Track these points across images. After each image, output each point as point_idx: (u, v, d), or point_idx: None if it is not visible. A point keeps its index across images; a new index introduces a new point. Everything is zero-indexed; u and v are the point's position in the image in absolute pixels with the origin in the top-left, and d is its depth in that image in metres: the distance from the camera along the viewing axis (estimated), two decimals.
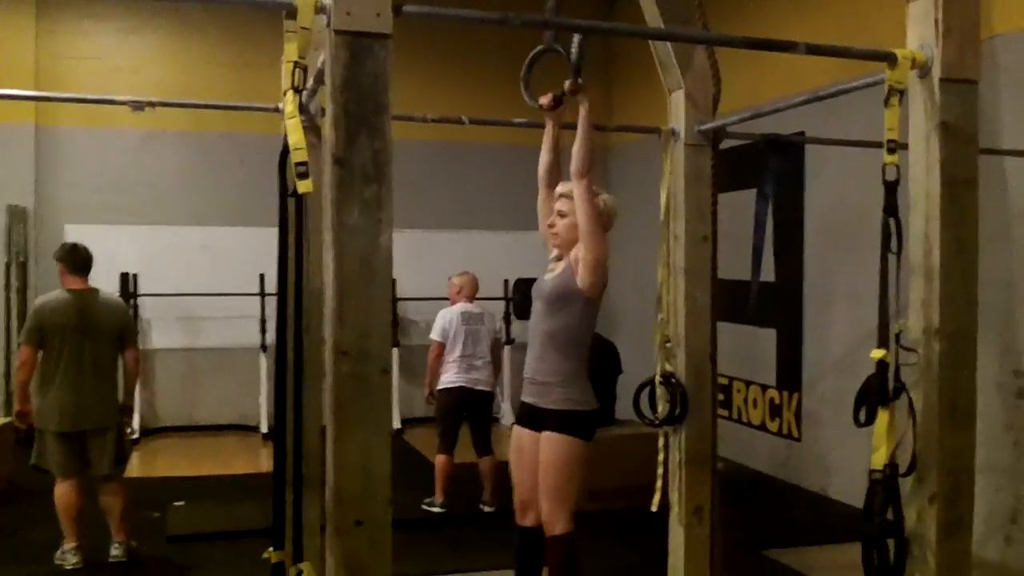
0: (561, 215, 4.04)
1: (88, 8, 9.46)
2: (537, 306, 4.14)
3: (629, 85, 9.98)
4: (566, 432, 3.96)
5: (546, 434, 3.98)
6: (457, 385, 6.65)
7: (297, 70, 2.53)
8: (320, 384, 2.93)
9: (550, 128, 4.14)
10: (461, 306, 6.93)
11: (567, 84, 3.75)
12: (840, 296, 6.84)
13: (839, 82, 3.66)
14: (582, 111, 3.84)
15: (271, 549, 3.24)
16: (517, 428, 4.19)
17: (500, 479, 6.72)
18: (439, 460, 6.73)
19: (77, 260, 5.54)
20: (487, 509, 6.73)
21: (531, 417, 4.09)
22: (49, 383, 5.38)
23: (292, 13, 2.51)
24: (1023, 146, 5.32)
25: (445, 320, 6.85)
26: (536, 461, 4.03)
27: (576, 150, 3.83)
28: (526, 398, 4.16)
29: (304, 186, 2.49)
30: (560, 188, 4.09)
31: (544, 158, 4.17)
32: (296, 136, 2.49)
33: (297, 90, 2.53)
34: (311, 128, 3.46)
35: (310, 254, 2.93)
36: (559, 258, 4.13)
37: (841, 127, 6.02)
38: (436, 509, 6.65)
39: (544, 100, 3.92)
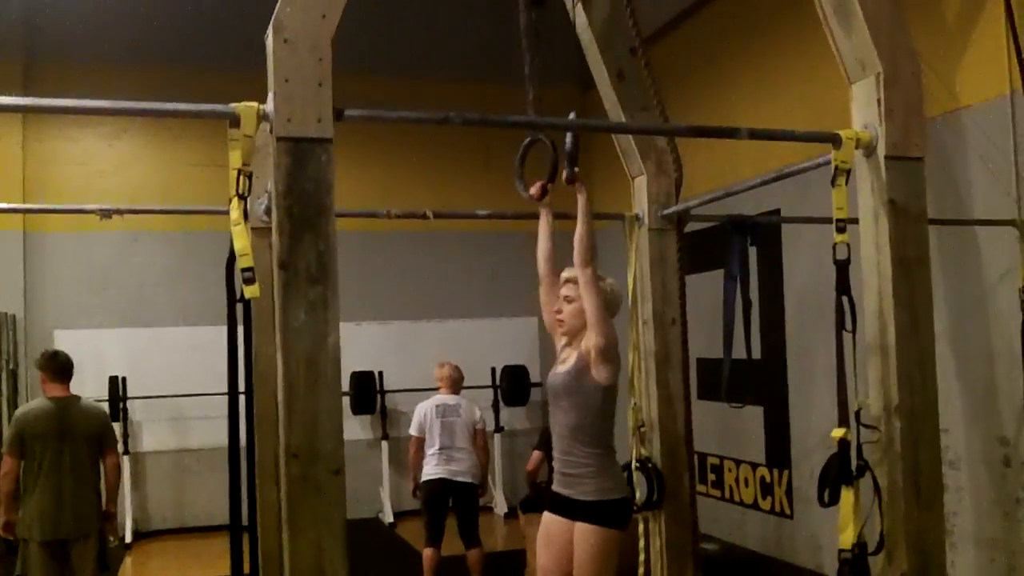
0: (568, 300, 3.98)
1: (71, 115, 9.63)
2: (554, 400, 4.02)
3: (601, 171, 10.09)
4: (600, 523, 3.85)
5: (580, 526, 3.88)
6: (438, 477, 6.56)
7: (241, 177, 2.56)
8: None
9: (544, 217, 4.13)
10: (437, 398, 6.88)
11: (563, 175, 3.76)
12: (822, 372, 6.80)
13: (791, 164, 3.74)
14: (581, 200, 3.83)
15: None
16: (547, 515, 4.08)
17: (489, 570, 6.64)
18: (425, 554, 6.61)
19: (57, 367, 5.55)
20: None
21: (563, 506, 3.97)
22: (31, 491, 5.34)
23: (236, 121, 2.57)
24: (994, 216, 5.36)
25: (420, 414, 6.81)
26: (565, 549, 3.94)
27: (578, 239, 3.81)
28: (557, 488, 4.02)
29: (251, 291, 2.51)
30: (565, 273, 4.03)
31: (542, 247, 4.11)
32: (241, 242, 2.52)
33: (242, 197, 2.57)
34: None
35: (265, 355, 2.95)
36: (568, 345, 4.04)
37: (814, 204, 6.06)
38: None
39: (533, 190, 3.91)
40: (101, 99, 2.67)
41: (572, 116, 3.63)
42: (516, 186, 3.96)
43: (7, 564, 6.37)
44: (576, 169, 3.72)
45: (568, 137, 3.68)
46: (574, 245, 3.82)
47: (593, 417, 3.89)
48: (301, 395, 2.51)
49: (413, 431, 6.80)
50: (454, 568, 6.74)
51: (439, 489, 6.56)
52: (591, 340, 3.83)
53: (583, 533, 3.86)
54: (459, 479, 6.56)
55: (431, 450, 6.64)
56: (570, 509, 3.93)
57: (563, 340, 4.08)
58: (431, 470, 6.60)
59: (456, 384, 6.97)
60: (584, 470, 3.89)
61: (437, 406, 6.80)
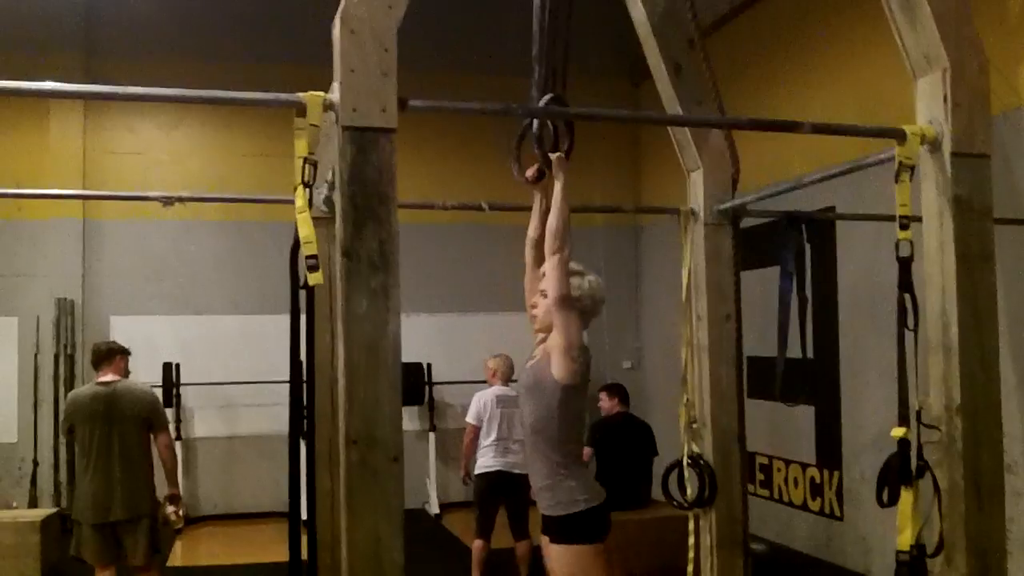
0: (544, 295, 3.65)
1: (132, 105, 9.79)
2: (521, 397, 3.81)
3: (657, 165, 10.07)
4: (568, 540, 3.56)
5: (551, 547, 3.61)
6: (495, 470, 6.60)
7: (307, 165, 2.59)
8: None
9: (537, 202, 3.91)
10: (496, 389, 6.91)
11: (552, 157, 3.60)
12: (875, 371, 6.74)
13: (855, 159, 3.69)
14: (557, 184, 3.54)
15: None
16: (541, 535, 3.78)
17: (536, 564, 6.63)
18: (475, 545, 6.62)
19: (94, 357, 5.73)
20: None
21: (542, 523, 3.70)
22: (82, 475, 5.49)
23: (302, 111, 2.60)
24: None
25: (480, 403, 6.85)
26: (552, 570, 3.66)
27: (549, 224, 3.53)
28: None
29: (314, 278, 2.54)
30: (543, 266, 3.72)
31: (530, 233, 3.89)
32: (306, 230, 2.55)
33: (307, 185, 2.59)
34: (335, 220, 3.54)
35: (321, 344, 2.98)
36: (542, 342, 3.74)
37: (871, 200, 6.00)
38: None
39: (529, 173, 3.77)
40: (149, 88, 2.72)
41: (546, 99, 3.48)
42: (512, 170, 3.81)
43: (63, 544, 6.52)
44: (556, 154, 3.54)
45: (534, 122, 3.52)
46: (546, 231, 3.55)
47: (551, 418, 3.57)
48: (362, 382, 2.54)
49: (471, 419, 6.83)
50: (502, 560, 6.76)
51: (495, 482, 6.60)
52: (552, 334, 3.57)
53: (554, 554, 3.60)
54: (516, 471, 6.53)
55: (488, 440, 6.68)
56: (544, 526, 3.67)
57: (538, 336, 3.80)
58: (488, 462, 6.64)
59: (508, 376, 6.97)
60: (546, 480, 3.61)
61: (498, 396, 6.83)
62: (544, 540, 3.67)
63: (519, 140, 3.75)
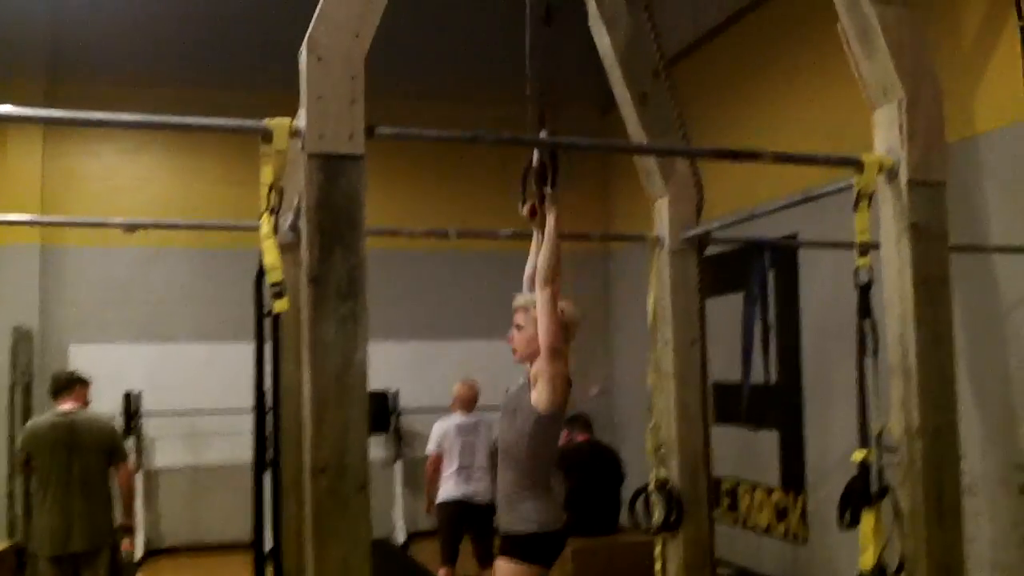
0: (518, 328, 3.79)
1: (94, 129, 9.68)
2: (500, 416, 3.91)
3: (626, 192, 10.15)
4: (515, 556, 3.66)
5: (499, 560, 3.73)
6: (455, 499, 6.63)
7: (272, 192, 2.60)
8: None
9: (536, 236, 4.00)
10: (456, 417, 6.92)
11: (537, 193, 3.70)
12: (839, 395, 6.80)
13: (810, 188, 3.76)
14: (549, 219, 3.62)
15: None
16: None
17: None
18: (440, 573, 6.65)
19: (54, 386, 5.65)
20: None
21: (500, 540, 3.83)
22: (39, 506, 5.38)
23: (268, 137, 2.61)
24: (1010, 242, 5.37)
25: (440, 432, 6.85)
26: None
27: (542, 257, 3.60)
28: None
29: (280, 305, 2.54)
30: (516, 300, 3.88)
31: (528, 267, 3.99)
32: (271, 257, 2.55)
33: (273, 211, 2.60)
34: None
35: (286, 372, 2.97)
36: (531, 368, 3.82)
37: (832, 227, 6.09)
38: None
39: (525, 210, 3.87)
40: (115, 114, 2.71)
41: (543, 133, 3.55)
42: (518, 206, 3.88)
43: None
44: (549, 189, 3.62)
45: (534, 155, 3.61)
46: (537, 264, 3.66)
47: (524, 444, 3.67)
48: (330, 410, 2.54)
49: (431, 448, 6.82)
50: None
51: (457, 511, 6.62)
52: (538, 364, 3.65)
53: (500, 568, 3.71)
54: (477, 500, 6.60)
55: (450, 469, 6.68)
56: (500, 544, 3.79)
57: (524, 364, 3.88)
58: (450, 491, 6.64)
59: (473, 403, 7.00)
60: (509, 499, 3.73)
61: (458, 425, 6.83)
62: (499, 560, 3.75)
63: (524, 175, 3.80)
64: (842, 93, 6.74)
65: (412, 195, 10.01)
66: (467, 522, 6.65)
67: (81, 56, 9.61)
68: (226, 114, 2.83)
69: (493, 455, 6.79)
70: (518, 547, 3.66)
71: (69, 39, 9.60)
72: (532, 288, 3.94)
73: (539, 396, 3.61)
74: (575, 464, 7.13)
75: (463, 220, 5.13)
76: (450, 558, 6.65)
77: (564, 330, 3.67)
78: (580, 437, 7.33)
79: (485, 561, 6.65)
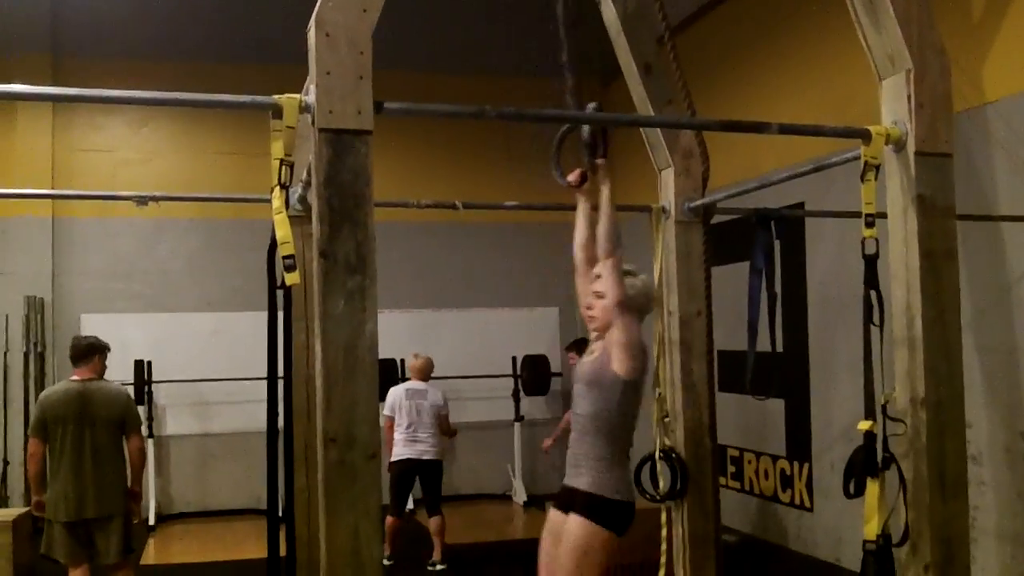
0: (599, 296, 3.83)
1: (101, 104, 9.73)
2: (576, 389, 3.95)
3: (630, 162, 10.12)
4: (593, 518, 3.71)
5: (572, 516, 3.76)
6: (404, 457, 7.43)
7: (283, 167, 2.62)
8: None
9: (581, 205, 4.01)
10: (408, 384, 7.79)
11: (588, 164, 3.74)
12: (844, 365, 6.84)
13: (816, 158, 3.76)
14: (604, 191, 3.74)
15: None
16: (551, 510, 3.95)
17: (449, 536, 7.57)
18: (387, 522, 7.28)
19: (72, 352, 5.70)
20: (437, 567, 7.46)
21: (564, 499, 3.86)
22: (55, 473, 5.46)
23: (278, 112, 2.62)
24: (1019, 211, 5.37)
25: (393, 397, 7.64)
26: (559, 543, 3.80)
27: (600, 230, 3.73)
28: (565, 480, 3.91)
29: (291, 278, 2.57)
30: (597, 268, 3.89)
31: (577, 236, 4.02)
32: (283, 231, 2.57)
33: (284, 186, 2.62)
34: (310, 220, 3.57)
35: (297, 342, 3.01)
36: (599, 338, 3.91)
37: (841, 197, 6.08)
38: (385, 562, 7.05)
39: (571, 178, 3.87)
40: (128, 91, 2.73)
41: (591, 107, 3.54)
42: (553, 174, 3.89)
43: (35, 544, 6.48)
44: (600, 160, 3.67)
45: (585, 128, 3.63)
46: (598, 237, 3.76)
47: (609, 411, 3.77)
48: (340, 382, 2.57)
49: (386, 412, 7.53)
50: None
51: (406, 468, 7.46)
52: (612, 332, 3.75)
53: (573, 522, 3.74)
54: (425, 457, 7.46)
55: (399, 431, 7.50)
56: (568, 499, 3.82)
57: (595, 333, 3.96)
58: (399, 450, 7.46)
59: (423, 373, 7.83)
60: (590, 462, 3.78)
61: (407, 390, 7.69)
62: (555, 512, 3.85)
63: (557, 146, 3.85)
64: (849, 63, 6.72)
65: (419, 168, 10.07)
66: (415, 477, 7.52)
67: (87, 31, 9.64)
68: (233, 87, 2.85)
69: (440, 419, 7.62)
70: (602, 512, 3.72)
71: (73, 14, 9.60)
72: (582, 255, 4.02)
73: (621, 363, 3.73)
74: None
75: (468, 193, 5.14)
76: (397, 510, 7.47)
77: (637, 300, 3.81)
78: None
79: (432, 510, 7.56)
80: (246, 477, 9.74)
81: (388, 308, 9.79)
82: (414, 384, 7.77)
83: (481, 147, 10.16)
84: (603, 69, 10.34)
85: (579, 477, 3.79)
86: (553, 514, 3.91)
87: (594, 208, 3.90)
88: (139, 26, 9.60)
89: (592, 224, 3.93)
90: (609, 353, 3.78)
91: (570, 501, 3.80)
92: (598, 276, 3.85)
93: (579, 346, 7.86)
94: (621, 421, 3.80)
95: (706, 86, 7.75)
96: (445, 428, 7.71)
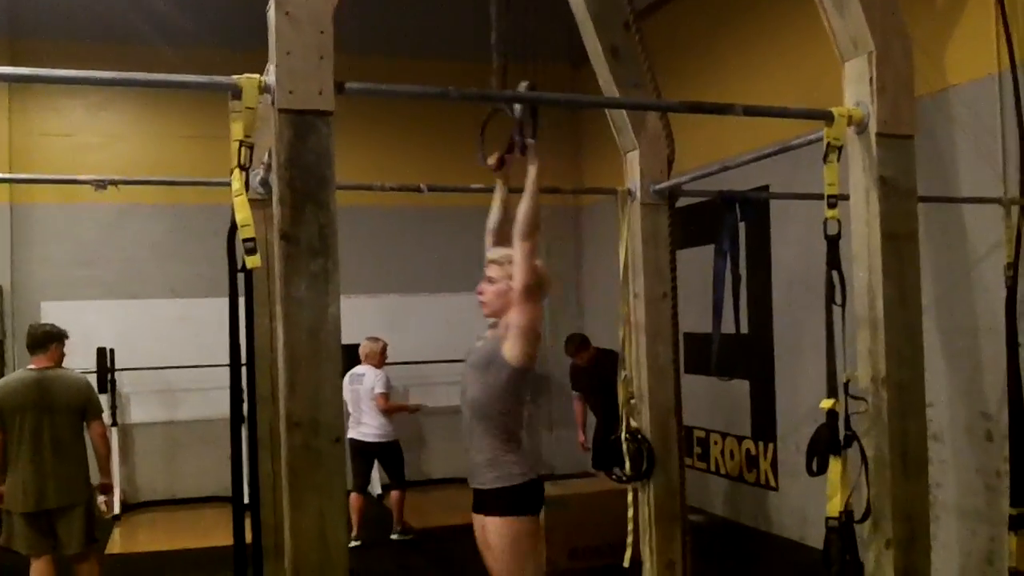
0: (491, 281, 3.74)
1: (59, 86, 9.57)
2: (466, 374, 3.85)
3: (597, 146, 10.14)
4: (506, 513, 3.66)
5: (488, 519, 3.71)
6: (352, 439, 7.71)
7: (243, 148, 2.58)
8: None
9: (498, 188, 3.98)
10: (353, 369, 7.99)
11: (513, 145, 3.60)
12: (809, 346, 6.90)
13: (781, 140, 3.78)
14: (530, 171, 3.56)
15: None
16: (473, 516, 3.83)
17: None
18: (351, 497, 7.49)
19: (29, 341, 5.59)
20: (396, 537, 7.88)
21: (477, 502, 3.79)
22: (13, 464, 5.36)
23: (238, 93, 2.59)
24: (980, 194, 5.43)
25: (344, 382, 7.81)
26: (488, 546, 3.75)
27: (520, 211, 3.54)
28: (470, 482, 3.82)
29: (252, 261, 2.54)
30: (489, 254, 3.84)
31: (490, 219, 3.98)
32: (243, 213, 2.54)
33: (243, 168, 2.59)
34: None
35: (260, 327, 2.99)
36: (493, 326, 3.82)
37: (804, 180, 6.12)
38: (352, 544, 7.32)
39: (491, 160, 3.85)
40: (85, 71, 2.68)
41: (523, 86, 3.41)
42: (477, 157, 3.85)
43: None
44: (529, 140, 3.52)
45: (516, 107, 3.50)
46: (516, 217, 3.57)
47: (497, 396, 3.67)
48: (303, 366, 2.55)
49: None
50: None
51: (357, 449, 7.76)
52: (511, 317, 3.63)
53: (492, 527, 3.69)
54: (368, 439, 7.81)
55: (349, 415, 7.83)
56: (480, 502, 3.75)
57: (489, 320, 3.86)
58: (349, 433, 7.71)
59: (370, 358, 8.09)
60: (483, 456, 3.71)
61: (350, 375, 7.91)
62: (478, 517, 3.75)
63: (483, 128, 3.78)
64: (814, 47, 6.76)
65: (382, 152, 10.02)
66: (370, 458, 7.92)
67: (44, 13, 9.45)
68: (190, 71, 2.80)
69: (378, 399, 7.81)
70: (508, 502, 3.66)
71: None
72: (494, 241, 3.96)
73: (512, 349, 3.61)
74: (585, 379, 7.99)
75: (433, 176, 5.11)
76: (358, 486, 7.76)
77: (538, 286, 3.63)
78: (583, 353, 8.01)
79: (392, 487, 8.01)
80: (213, 464, 9.66)
81: (356, 293, 9.81)
82: (357, 369, 8.03)
83: (447, 131, 10.10)
84: (571, 54, 10.38)
85: (481, 476, 3.72)
86: (475, 519, 3.82)
87: (513, 191, 3.84)
88: (99, 8, 9.43)
89: (506, 209, 3.89)
90: (502, 338, 3.68)
91: (482, 503, 3.75)
92: (491, 262, 3.77)
93: (567, 345, 8.17)
94: (511, 408, 3.72)
95: (673, 70, 7.78)
96: (383, 407, 7.88)
